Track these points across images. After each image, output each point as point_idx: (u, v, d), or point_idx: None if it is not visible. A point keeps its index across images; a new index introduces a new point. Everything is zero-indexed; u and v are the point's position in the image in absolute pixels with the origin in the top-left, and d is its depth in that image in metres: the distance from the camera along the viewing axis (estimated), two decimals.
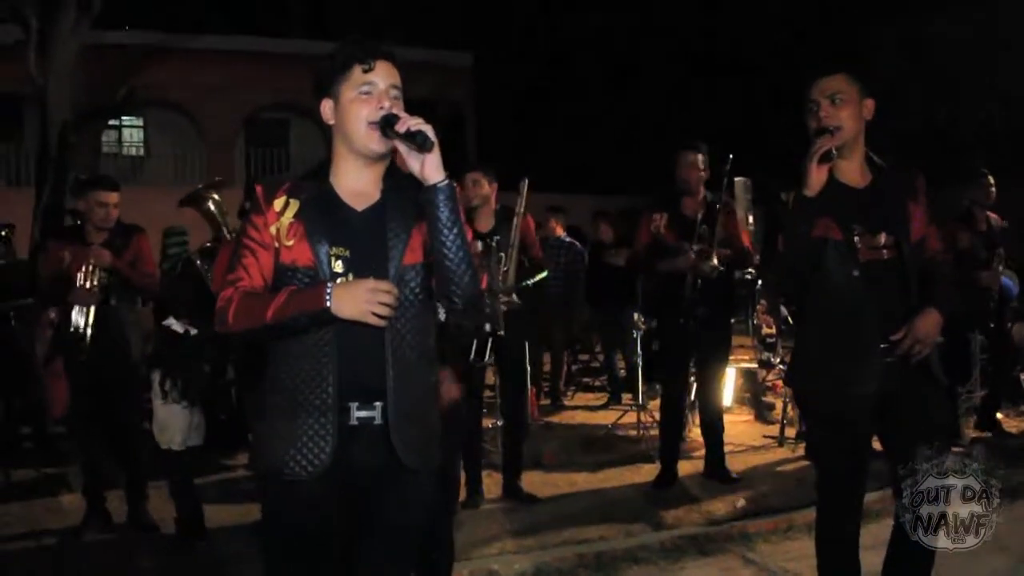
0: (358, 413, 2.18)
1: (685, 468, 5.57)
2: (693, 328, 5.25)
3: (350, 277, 2.17)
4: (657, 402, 7.73)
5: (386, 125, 2.16)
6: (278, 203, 2.23)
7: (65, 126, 10.11)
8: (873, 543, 3.23)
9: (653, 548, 4.32)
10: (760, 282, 6.74)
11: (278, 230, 2.21)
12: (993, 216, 6.44)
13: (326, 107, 2.26)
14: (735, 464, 5.66)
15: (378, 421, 2.19)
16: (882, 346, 2.93)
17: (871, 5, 15.81)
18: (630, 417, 6.85)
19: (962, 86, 13.62)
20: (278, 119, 19.71)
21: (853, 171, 3.02)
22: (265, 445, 2.24)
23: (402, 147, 2.16)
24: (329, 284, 2.10)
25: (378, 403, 2.19)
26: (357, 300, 2.06)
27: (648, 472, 5.67)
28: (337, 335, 2.15)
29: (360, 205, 2.27)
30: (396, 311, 2.13)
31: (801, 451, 6.05)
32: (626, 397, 7.91)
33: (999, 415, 6.73)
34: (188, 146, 18.58)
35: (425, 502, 2.35)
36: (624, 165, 18.67)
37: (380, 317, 2.09)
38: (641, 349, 7.10)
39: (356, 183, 2.27)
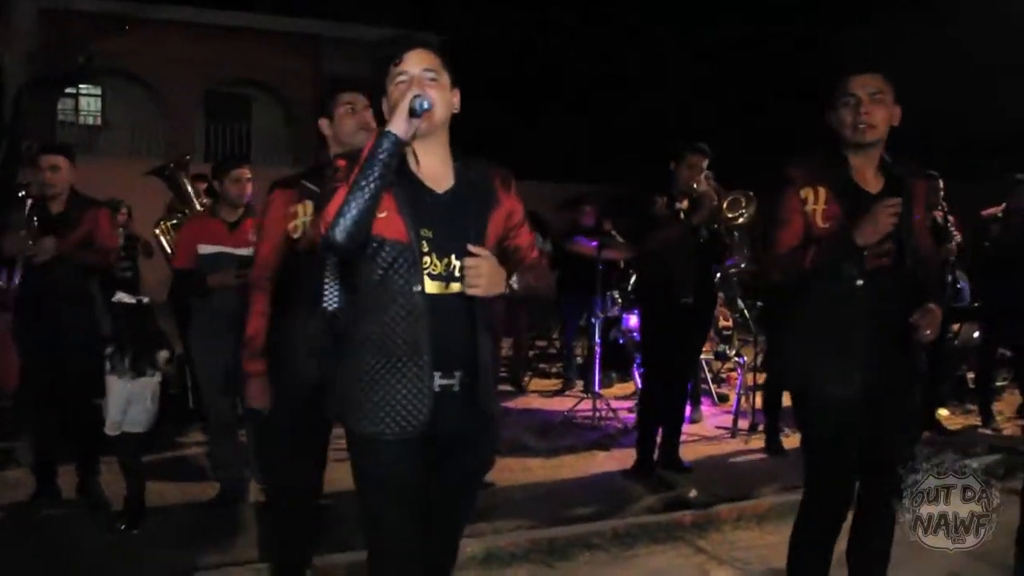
0: (440, 381, 2.32)
1: None
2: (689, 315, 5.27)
3: (433, 257, 2.30)
4: (611, 390, 7.92)
5: (411, 113, 2.26)
6: None
7: (20, 92, 9.89)
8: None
9: (606, 535, 4.36)
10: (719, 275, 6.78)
11: None
12: (939, 215, 6.54)
13: (384, 107, 2.39)
14: (688, 454, 5.71)
15: (456, 388, 2.34)
16: (880, 347, 2.94)
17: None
18: (588, 404, 6.90)
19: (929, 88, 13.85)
20: (240, 94, 19.44)
21: (870, 174, 3.00)
22: (361, 408, 2.34)
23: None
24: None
25: (457, 372, 2.34)
26: (397, 103, 2.25)
27: (603, 460, 5.75)
28: (430, 308, 2.28)
29: (439, 188, 2.38)
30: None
31: (753, 443, 6.16)
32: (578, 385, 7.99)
33: (943, 412, 6.91)
34: (146, 118, 18.25)
35: (490, 456, 2.71)
36: (571, 152, 18.78)
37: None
38: (600, 338, 7.14)
39: (428, 167, 2.39)
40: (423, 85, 2.29)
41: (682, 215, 5.21)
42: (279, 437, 3.34)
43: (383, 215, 2.27)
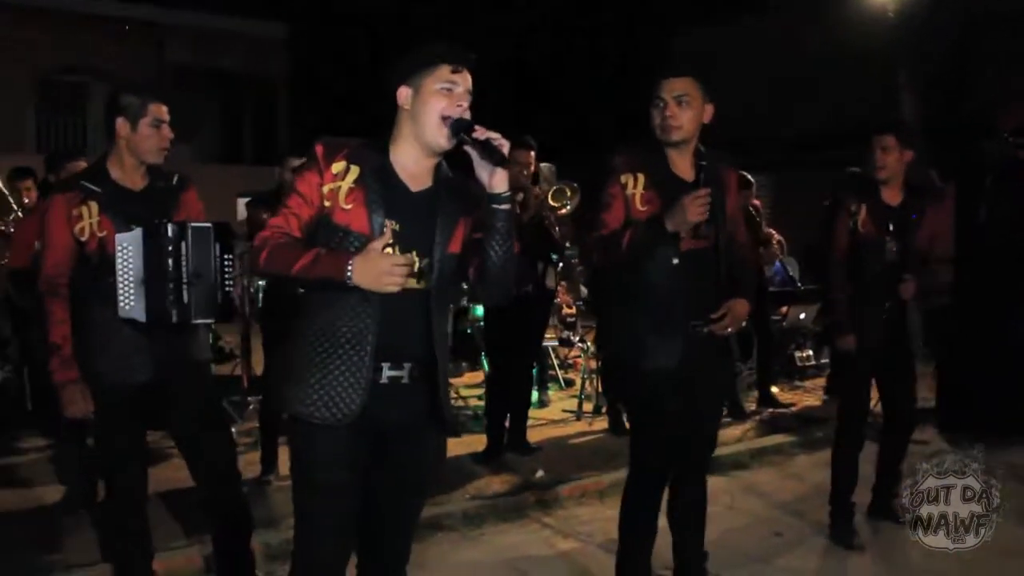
0: (389, 372, 2.37)
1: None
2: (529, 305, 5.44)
3: (396, 250, 2.32)
4: (462, 379, 8.09)
5: (459, 128, 2.32)
6: (337, 166, 2.36)
7: None
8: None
9: (456, 516, 4.55)
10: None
11: (333, 192, 2.35)
12: (756, 203, 7.06)
13: (403, 93, 2.40)
14: (535, 436, 5.97)
15: (406, 380, 2.39)
16: (693, 324, 3.21)
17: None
18: None
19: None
20: (76, 83, 18.47)
21: (685, 165, 3.26)
22: (295, 391, 2.38)
23: (474, 153, 2.33)
24: (351, 259, 2.25)
25: (407, 364, 2.39)
26: (376, 273, 2.23)
27: (453, 445, 5.82)
28: (381, 301, 2.31)
29: (416, 187, 2.43)
30: (436, 288, 2.39)
31: (597, 425, 6.48)
32: None
33: (775, 389, 7.45)
34: None
35: (440, 450, 2.70)
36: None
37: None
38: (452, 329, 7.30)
39: (414, 167, 2.43)
40: (464, 102, 2.36)
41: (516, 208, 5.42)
42: (100, 439, 3.34)
43: (348, 207, 2.33)
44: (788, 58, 14.14)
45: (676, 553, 3.51)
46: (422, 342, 2.41)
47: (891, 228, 4.14)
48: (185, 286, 3.16)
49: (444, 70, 2.37)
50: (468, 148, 2.35)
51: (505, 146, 2.31)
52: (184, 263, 3.16)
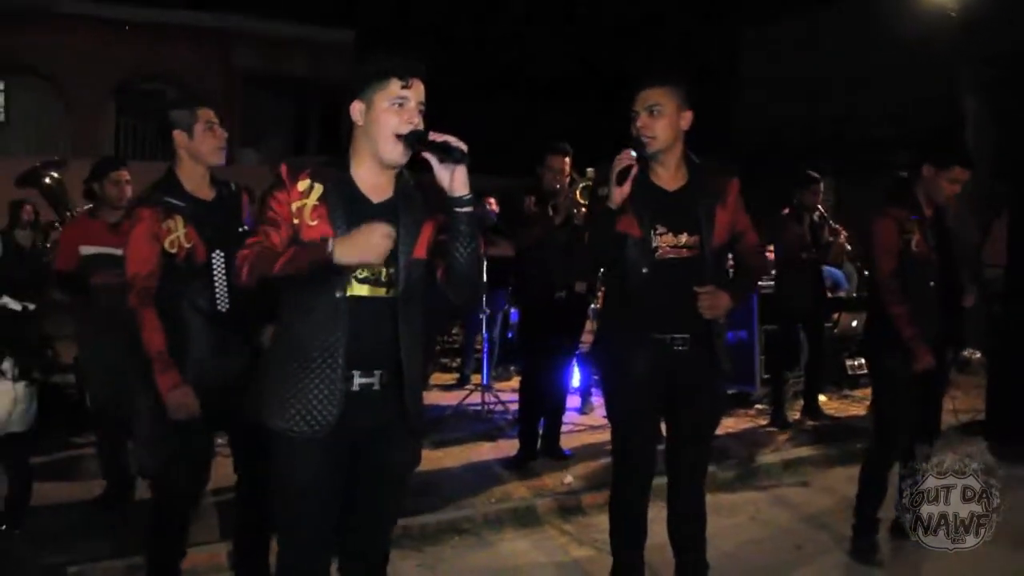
0: (360, 380, 2.44)
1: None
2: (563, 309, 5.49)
3: None
4: (506, 383, 8.15)
5: (415, 140, 2.40)
6: (302, 184, 2.44)
7: None
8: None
9: (475, 520, 4.61)
10: None
11: (300, 209, 2.42)
12: (818, 214, 6.95)
13: (356, 109, 2.46)
14: (572, 443, 5.98)
15: (376, 387, 2.46)
16: (672, 336, 3.24)
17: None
18: (479, 396, 7.10)
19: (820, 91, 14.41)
20: (153, 90, 19.10)
21: (667, 175, 3.28)
22: (274, 404, 2.47)
23: (433, 159, 2.39)
24: (331, 239, 2.32)
25: (377, 371, 2.45)
26: (357, 245, 2.29)
27: (487, 450, 5.98)
28: (349, 311, 2.40)
29: (376, 198, 2.50)
30: (403, 295, 2.46)
31: None
32: (475, 378, 8.16)
33: (822, 398, 7.33)
34: (51, 115, 17.84)
35: (415, 454, 2.74)
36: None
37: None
38: (496, 332, 7.38)
39: (375, 179, 2.50)
40: (415, 117, 2.41)
41: (550, 212, 5.48)
42: (166, 439, 3.38)
43: (314, 223, 2.40)
44: (849, 57, 13.85)
45: (678, 566, 3.51)
46: (390, 348, 2.46)
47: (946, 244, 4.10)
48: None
49: (395, 85, 2.41)
50: (427, 155, 2.39)
51: (463, 146, 2.35)
52: None
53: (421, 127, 2.42)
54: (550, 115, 17.99)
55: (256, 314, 3.38)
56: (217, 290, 3.29)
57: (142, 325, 3.25)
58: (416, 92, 2.43)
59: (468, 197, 2.43)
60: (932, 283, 4.07)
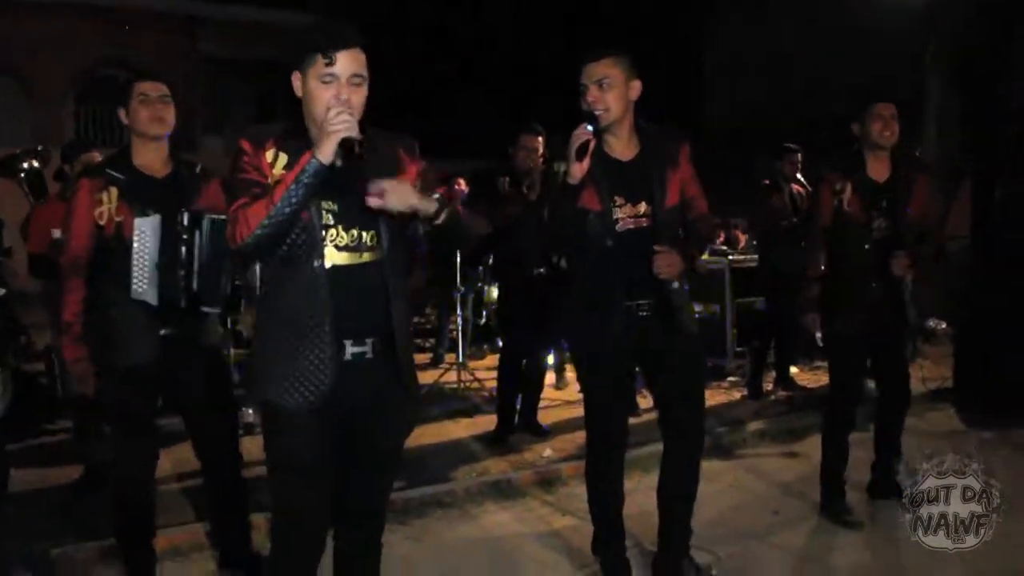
0: (352, 349, 2.40)
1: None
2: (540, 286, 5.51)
3: (340, 229, 2.37)
4: (480, 362, 8.18)
5: (345, 148, 2.26)
6: (269, 154, 2.39)
7: None
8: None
9: (457, 494, 4.65)
10: None
11: (271, 177, 2.36)
12: (798, 189, 7.02)
13: (296, 80, 2.39)
14: (548, 418, 6.03)
15: (369, 355, 2.43)
16: (631, 303, 3.29)
17: None
18: (453, 375, 7.13)
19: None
20: (112, 76, 18.81)
21: (620, 145, 3.32)
22: (266, 378, 2.44)
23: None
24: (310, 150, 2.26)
25: (369, 339, 2.42)
26: (325, 131, 2.23)
27: (465, 426, 6.02)
28: (330, 280, 2.35)
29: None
30: (388, 256, 2.41)
31: None
32: (449, 357, 8.18)
33: (794, 369, 7.42)
34: (11, 105, 17.53)
35: (409, 423, 2.70)
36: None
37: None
38: (471, 311, 7.40)
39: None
40: (344, 91, 2.31)
41: (525, 191, 5.50)
42: (109, 422, 3.46)
43: None
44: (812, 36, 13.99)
45: (661, 530, 3.56)
46: (382, 315, 2.44)
47: (883, 205, 4.12)
48: (195, 274, 3.28)
49: (319, 62, 2.32)
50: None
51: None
52: (196, 252, 3.29)
53: (355, 106, 2.33)
54: (523, 99, 18.06)
55: (223, 299, 3.41)
56: (136, 267, 3.25)
57: (64, 292, 3.29)
58: (346, 65, 2.33)
59: (431, 211, 2.37)
60: (867, 246, 4.13)
